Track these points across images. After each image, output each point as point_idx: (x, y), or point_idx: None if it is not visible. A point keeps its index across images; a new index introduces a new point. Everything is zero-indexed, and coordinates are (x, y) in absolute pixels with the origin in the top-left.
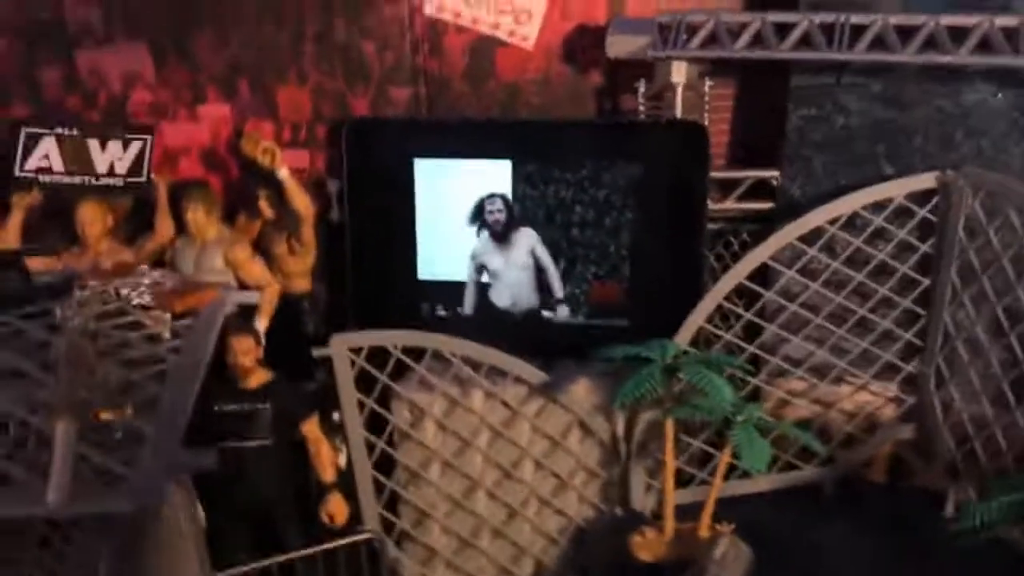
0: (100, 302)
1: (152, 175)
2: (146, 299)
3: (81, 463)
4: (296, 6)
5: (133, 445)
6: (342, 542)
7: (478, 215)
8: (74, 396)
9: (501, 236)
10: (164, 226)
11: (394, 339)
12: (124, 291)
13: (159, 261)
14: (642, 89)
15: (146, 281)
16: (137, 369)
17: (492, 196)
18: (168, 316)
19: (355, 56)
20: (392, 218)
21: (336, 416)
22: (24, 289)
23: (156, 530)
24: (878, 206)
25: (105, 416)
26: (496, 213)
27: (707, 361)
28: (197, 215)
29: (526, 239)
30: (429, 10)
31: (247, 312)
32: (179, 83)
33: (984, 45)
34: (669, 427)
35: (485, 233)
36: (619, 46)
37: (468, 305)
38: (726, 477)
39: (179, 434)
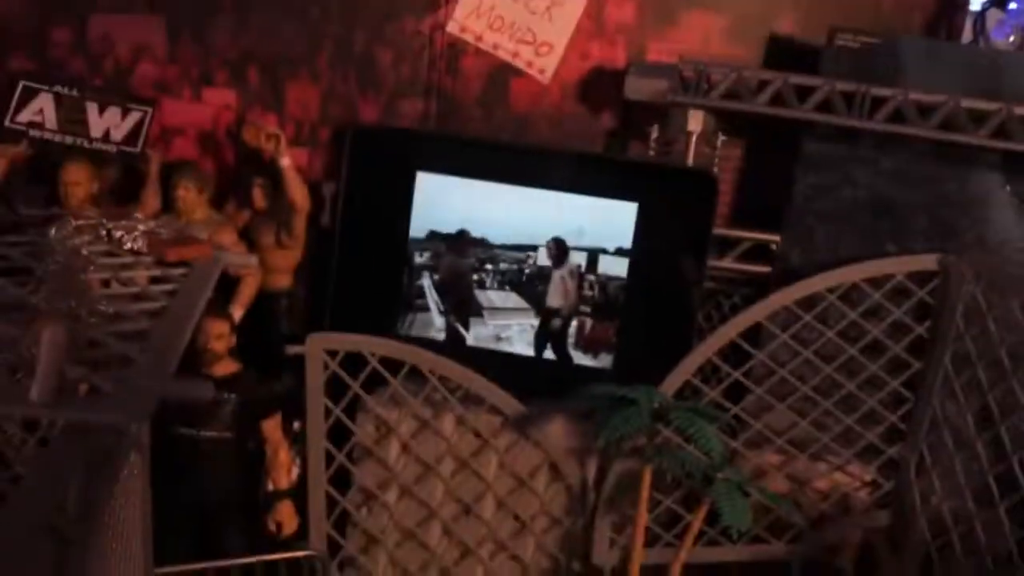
0: (93, 235)
1: (146, 148)
2: (139, 244)
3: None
4: (320, 5)
5: (122, 368)
6: (281, 556)
7: None
8: (62, 305)
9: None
10: (151, 199)
11: (373, 346)
12: (117, 234)
13: None
14: (655, 135)
15: (141, 227)
16: (129, 302)
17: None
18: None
19: (371, 63)
20: (385, 230)
21: (296, 426)
22: (11, 219)
23: (122, 473)
24: (877, 282)
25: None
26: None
27: (696, 411)
28: (189, 192)
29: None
30: (452, 28)
31: (224, 296)
32: (188, 61)
33: (1000, 132)
34: (647, 477)
35: None
36: (638, 88)
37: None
38: (695, 543)
39: (170, 366)
